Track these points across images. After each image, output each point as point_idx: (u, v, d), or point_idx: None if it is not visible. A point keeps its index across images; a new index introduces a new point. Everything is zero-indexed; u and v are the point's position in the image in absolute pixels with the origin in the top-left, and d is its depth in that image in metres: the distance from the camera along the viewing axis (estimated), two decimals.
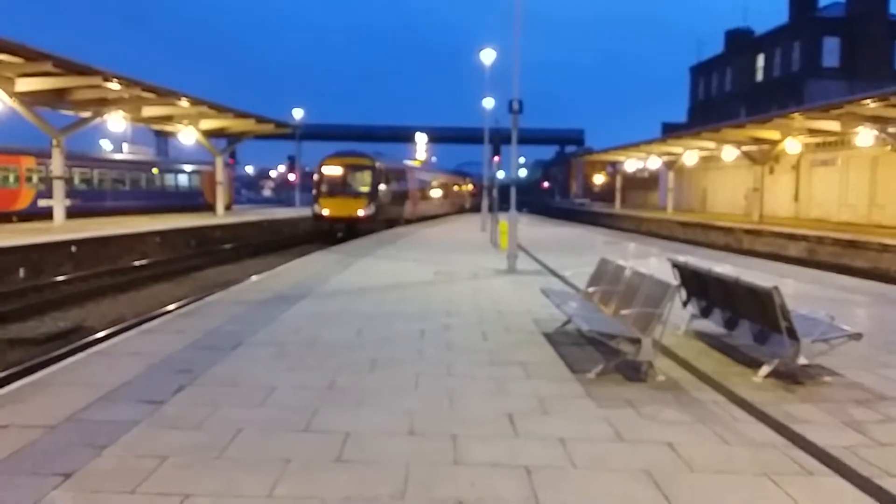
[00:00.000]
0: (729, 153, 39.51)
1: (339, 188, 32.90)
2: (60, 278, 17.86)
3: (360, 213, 32.07)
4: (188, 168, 44.01)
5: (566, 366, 7.27)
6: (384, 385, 6.51)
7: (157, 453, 4.74)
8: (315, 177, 34.39)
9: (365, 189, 32.95)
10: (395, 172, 38.39)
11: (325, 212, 32.15)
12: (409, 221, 39.53)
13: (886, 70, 48.44)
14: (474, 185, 65.68)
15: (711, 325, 8.75)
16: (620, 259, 9.25)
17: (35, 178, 29.80)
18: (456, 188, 60.17)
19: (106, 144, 50.27)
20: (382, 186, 33.97)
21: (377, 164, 34.05)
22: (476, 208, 47.75)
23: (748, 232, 31.04)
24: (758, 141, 35.83)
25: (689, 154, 45.11)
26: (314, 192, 33.51)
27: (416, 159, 61.02)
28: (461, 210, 59.59)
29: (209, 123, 35.59)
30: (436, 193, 50.53)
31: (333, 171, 33.56)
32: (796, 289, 13.23)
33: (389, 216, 35.62)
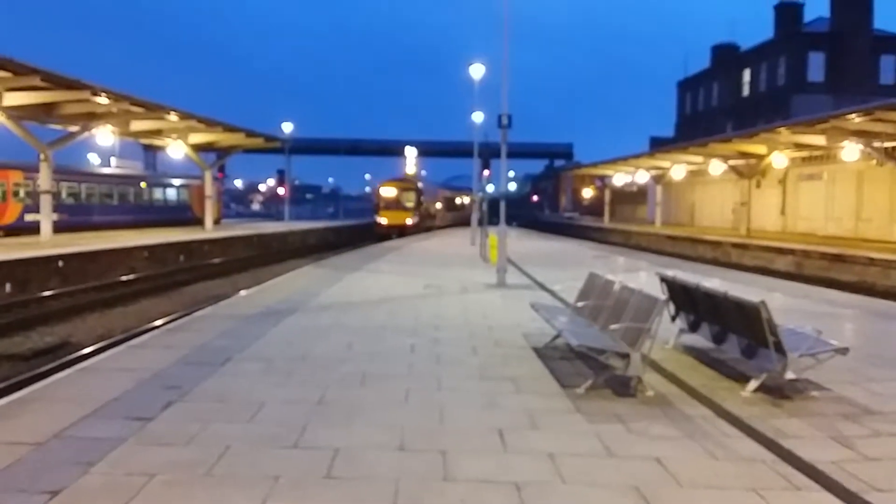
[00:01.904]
0: (716, 167, 39.78)
1: (393, 204, 47.15)
2: (47, 293, 17.74)
3: (408, 221, 46.42)
4: (177, 182, 43.87)
5: (555, 380, 7.28)
6: (374, 400, 6.50)
7: (145, 470, 4.71)
8: (375, 196, 50.09)
9: (410, 205, 47.37)
10: (430, 192, 54.47)
11: (384, 221, 46.64)
12: (439, 227, 54.10)
13: (871, 84, 48.98)
14: None
15: (700, 340, 8.79)
16: (609, 273, 9.29)
17: (22, 193, 29.61)
18: (469, 201, 72.52)
19: (94, 158, 50.06)
20: (421, 202, 48.23)
21: (418, 187, 49.50)
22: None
23: (736, 246, 31.22)
24: (744, 155, 36.11)
25: (677, 168, 45.40)
26: (375, 207, 48.83)
27: (407, 173, 61.76)
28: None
29: (198, 137, 35.53)
30: (455, 206, 66.96)
31: (389, 192, 47.97)
32: (784, 303, 13.31)
33: (426, 224, 50.16)
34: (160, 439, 5.34)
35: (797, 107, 47.66)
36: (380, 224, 46.70)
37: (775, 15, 57.08)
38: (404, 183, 49.78)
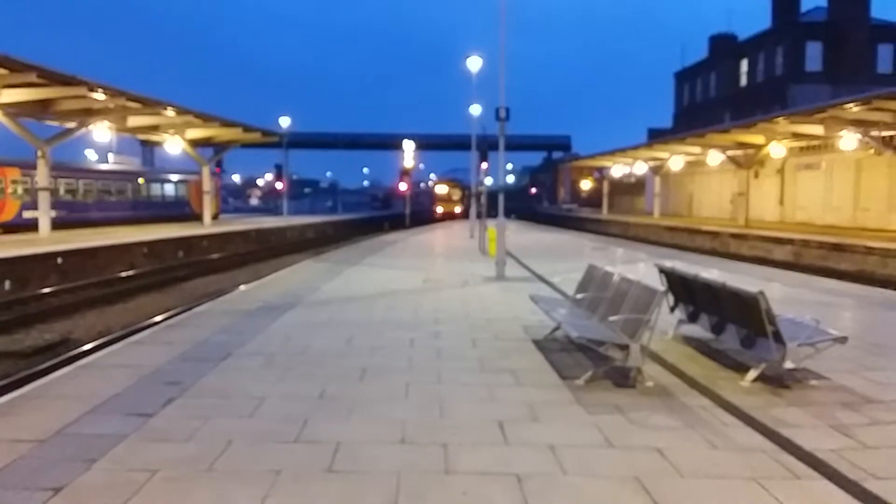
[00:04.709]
0: (714, 158, 39.82)
1: (445, 198, 68.93)
2: (46, 290, 17.72)
3: (456, 210, 65.68)
4: (174, 178, 43.82)
5: (555, 372, 7.29)
6: (374, 394, 6.51)
7: (147, 467, 4.72)
8: (432, 191, 73.05)
9: (457, 198, 67.89)
10: (472, 188, 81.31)
11: (440, 209, 67.34)
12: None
13: (869, 74, 48.88)
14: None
15: (699, 330, 8.80)
16: (608, 265, 9.29)
17: (20, 190, 29.58)
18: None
19: (91, 155, 50.00)
20: (466, 196, 60.29)
21: (463, 185, 66.37)
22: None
23: (734, 236, 31.25)
24: (743, 145, 36.10)
25: (675, 159, 45.40)
26: (432, 200, 71.40)
27: (405, 167, 62.15)
28: None
29: (195, 133, 35.49)
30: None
31: (442, 189, 70.58)
32: (782, 293, 13.33)
33: (468, 213, 65.87)
34: (162, 435, 5.35)
35: (795, 96, 47.62)
36: (436, 212, 66.76)
37: (772, 5, 56.93)
38: (452, 182, 72.43)
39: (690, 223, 38.96)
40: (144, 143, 48.35)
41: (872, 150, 29.09)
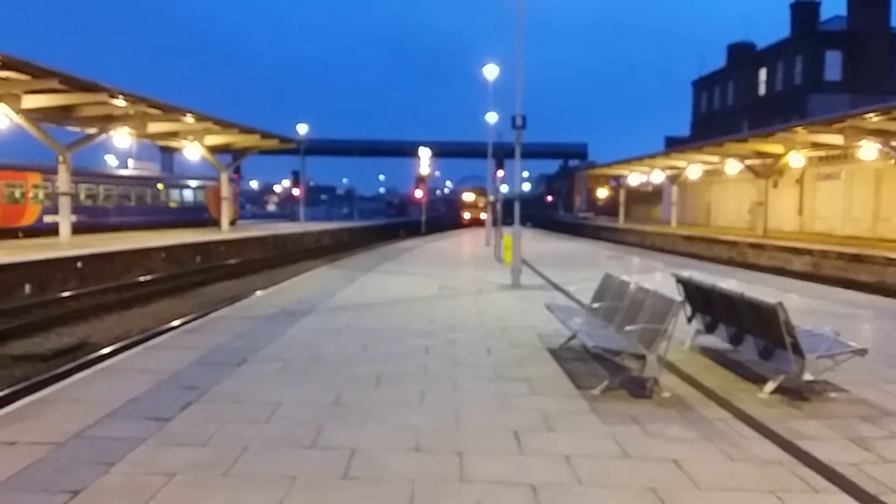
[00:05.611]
0: (732, 167, 39.53)
1: (471, 205, 72.42)
2: (66, 294, 17.90)
3: (482, 216, 59.39)
4: (193, 183, 44.18)
5: (571, 382, 7.27)
6: (390, 401, 6.52)
7: (164, 470, 4.76)
8: (458, 199, 77.67)
9: (482, 205, 63.69)
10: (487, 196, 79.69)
11: (467, 216, 71.23)
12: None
13: (889, 83, 48.47)
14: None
15: (716, 341, 8.74)
16: (625, 274, 9.25)
17: (41, 194, 29.93)
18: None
19: (111, 160, 50.52)
20: (490, 202, 67.98)
21: (488, 191, 66.95)
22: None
23: (752, 246, 31.00)
24: (761, 155, 35.85)
25: (693, 168, 45.15)
26: (459, 207, 75.28)
27: (421, 174, 62.47)
28: None
29: (214, 139, 35.74)
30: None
31: (469, 197, 74.70)
32: (801, 304, 13.21)
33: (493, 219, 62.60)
34: (179, 439, 5.39)
35: (814, 106, 47.26)
36: (463, 218, 71.25)
37: (791, 13, 56.58)
38: (479, 190, 73.83)
39: (708, 233, 38.72)
40: (164, 149, 48.80)
41: (893, 161, 28.77)
